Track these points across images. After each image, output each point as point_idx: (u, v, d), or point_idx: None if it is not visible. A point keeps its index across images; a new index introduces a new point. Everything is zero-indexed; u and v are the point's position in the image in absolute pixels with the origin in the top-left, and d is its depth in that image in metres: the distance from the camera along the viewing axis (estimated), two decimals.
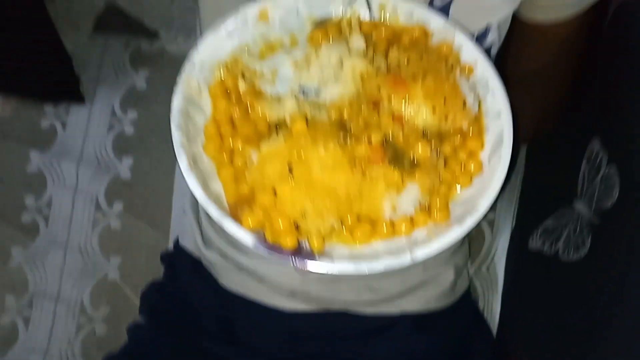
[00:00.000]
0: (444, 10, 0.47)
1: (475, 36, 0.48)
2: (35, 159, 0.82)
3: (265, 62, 0.43)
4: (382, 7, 0.44)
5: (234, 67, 0.42)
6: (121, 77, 0.85)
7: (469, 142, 0.41)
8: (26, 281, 0.77)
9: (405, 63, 0.40)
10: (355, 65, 0.41)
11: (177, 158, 0.39)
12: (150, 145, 0.82)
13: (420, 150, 0.38)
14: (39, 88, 0.84)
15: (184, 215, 0.70)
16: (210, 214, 0.37)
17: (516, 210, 0.63)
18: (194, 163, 0.38)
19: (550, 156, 0.59)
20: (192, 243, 0.63)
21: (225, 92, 0.41)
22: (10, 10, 0.76)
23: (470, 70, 0.43)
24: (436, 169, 0.39)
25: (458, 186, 0.40)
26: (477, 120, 0.42)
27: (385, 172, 0.37)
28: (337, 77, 0.41)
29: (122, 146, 0.82)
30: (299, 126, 0.38)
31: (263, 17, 0.43)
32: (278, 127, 0.39)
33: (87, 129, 0.84)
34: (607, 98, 0.54)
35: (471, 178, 0.40)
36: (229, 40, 0.43)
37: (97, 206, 0.79)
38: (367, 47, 0.42)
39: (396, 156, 0.38)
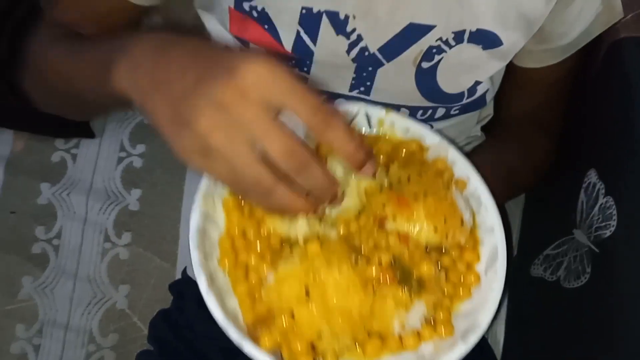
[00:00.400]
0: (431, 74, 0.49)
1: (467, 90, 0.51)
2: (46, 192, 0.84)
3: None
4: (380, 122, 0.47)
5: None
6: (129, 112, 0.87)
7: (465, 255, 0.44)
8: (36, 310, 0.78)
9: (407, 180, 0.43)
10: (360, 181, 0.43)
11: (196, 278, 0.40)
12: (158, 178, 0.84)
13: (426, 269, 0.41)
14: (51, 125, 0.86)
15: None
16: (229, 336, 0.38)
17: (518, 239, 0.65)
18: (212, 280, 0.40)
19: (550, 187, 0.61)
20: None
21: (239, 205, 0.43)
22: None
23: (464, 185, 0.46)
24: (440, 283, 0.42)
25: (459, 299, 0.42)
26: (472, 233, 0.44)
27: (394, 292, 0.39)
28: (342, 191, 0.42)
29: (130, 178, 0.84)
30: (314, 248, 0.39)
31: None
32: (291, 244, 0.41)
33: (97, 162, 0.85)
34: (601, 132, 0.57)
35: (470, 290, 0.43)
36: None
37: (106, 237, 0.81)
38: None
39: (404, 275, 0.40)
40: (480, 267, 0.43)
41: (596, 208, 0.53)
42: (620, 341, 0.46)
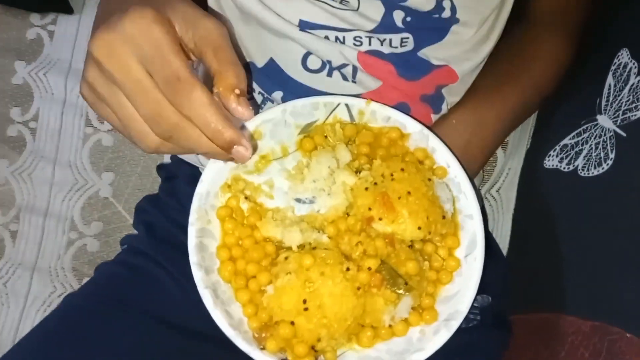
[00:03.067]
0: None
1: None
2: (21, 70, 0.77)
3: (262, 175, 0.46)
4: (361, 113, 0.48)
5: (235, 186, 0.46)
6: None
7: (447, 240, 0.46)
8: (13, 195, 0.73)
9: (390, 177, 0.44)
10: (346, 181, 0.45)
11: (201, 295, 0.43)
12: None
13: (411, 266, 0.44)
14: None
15: None
16: (239, 346, 0.42)
17: (532, 129, 0.61)
18: (215, 293, 0.43)
19: (572, 74, 0.56)
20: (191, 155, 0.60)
21: (231, 214, 0.45)
22: None
23: (445, 172, 0.47)
24: (424, 273, 0.45)
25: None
26: (453, 218, 0.47)
27: (384, 292, 0.43)
28: (329, 190, 0.46)
29: None
30: (308, 261, 0.42)
31: (257, 135, 0.46)
32: (285, 249, 0.44)
33: (76, 40, 0.78)
34: (634, 12, 0.51)
35: (452, 274, 0.46)
36: (227, 165, 0.46)
37: (87, 121, 0.75)
38: (353, 156, 0.46)
39: (392, 276, 0.43)
40: (460, 252, 0.46)
41: (626, 90, 0.49)
42: None
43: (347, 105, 0.47)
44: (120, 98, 0.35)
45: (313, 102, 0.47)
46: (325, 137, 0.47)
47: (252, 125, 0.46)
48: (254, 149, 0.45)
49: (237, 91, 0.36)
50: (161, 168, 0.66)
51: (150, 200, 0.62)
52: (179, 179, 0.61)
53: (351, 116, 0.48)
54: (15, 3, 0.80)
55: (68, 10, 0.79)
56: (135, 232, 0.62)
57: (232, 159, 0.38)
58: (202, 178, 0.45)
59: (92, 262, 0.72)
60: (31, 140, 0.75)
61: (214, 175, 0.45)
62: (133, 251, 0.57)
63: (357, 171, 0.46)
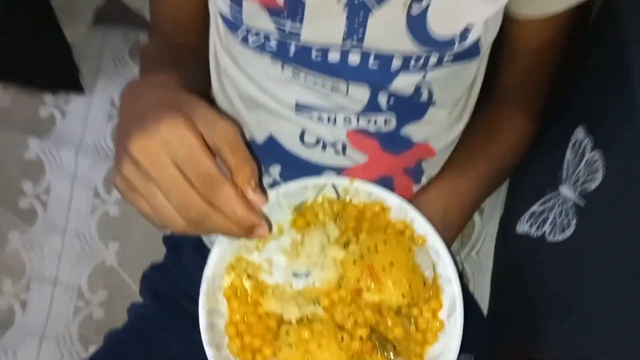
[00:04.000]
0: (422, 18, 0.50)
1: (459, 34, 0.51)
2: (34, 147, 0.83)
3: (261, 253, 0.52)
4: (346, 191, 0.54)
5: (238, 266, 0.51)
6: (120, 68, 0.87)
7: (430, 303, 0.51)
8: (24, 265, 0.78)
9: (374, 249, 0.50)
10: (336, 255, 0.50)
11: None
12: None
13: (398, 332, 0.48)
14: (39, 77, 0.85)
15: None
16: None
17: (504, 198, 0.66)
18: None
19: (536, 147, 0.62)
20: None
21: (236, 292, 0.50)
22: (13, 2, 0.77)
23: (423, 240, 0.52)
24: (411, 336, 0.49)
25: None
26: (434, 282, 0.51)
27: (375, 358, 0.47)
28: (321, 264, 0.50)
29: None
30: (306, 334, 0.47)
31: None
32: (285, 323, 0.49)
33: (87, 118, 0.85)
34: (592, 88, 0.57)
35: (437, 334, 0.50)
36: (229, 244, 0.51)
37: (96, 193, 0.80)
38: (341, 232, 0.52)
39: (381, 342, 0.48)
40: (443, 313, 0.50)
41: (582, 163, 0.54)
42: (602, 290, 0.47)
43: (333, 184, 0.53)
44: (154, 191, 0.40)
45: (303, 185, 0.52)
46: (316, 214, 0.53)
47: None
48: (269, 226, 0.50)
49: (252, 183, 0.43)
50: (166, 238, 0.71)
51: (156, 268, 0.67)
52: (184, 247, 0.65)
53: (337, 194, 0.53)
54: (30, 83, 0.87)
55: (79, 89, 0.86)
56: (140, 299, 0.66)
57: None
58: (208, 262, 0.50)
59: (98, 330, 0.75)
60: (42, 212, 0.80)
61: (218, 259, 0.50)
62: (140, 319, 0.61)
63: (346, 244, 0.52)
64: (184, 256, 0.64)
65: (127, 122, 0.44)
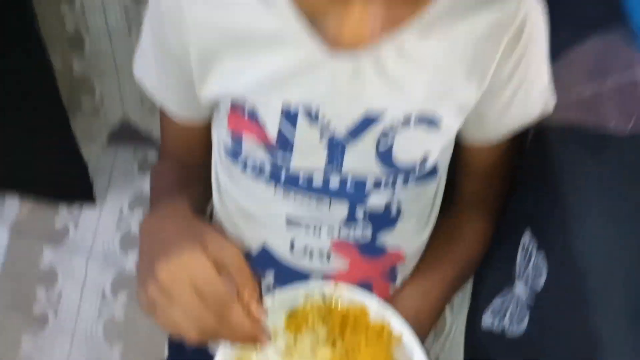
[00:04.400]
0: (388, 150, 0.59)
1: (419, 161, 0.61)
2: (48, 256, 0.90)
3: (260, 354, 0.57)
4: (331, 295, 0.60)
5: None
6: (129, 182, 0.96)
7: None
8: None
9: (358, 348, 0.57)
10: (324, 355, 0.57)
11: None
12: None
13: None
14: (56, 191, 0.94)
15: None
16: None
17: (470, 294, 0.73)
18: None
19: (493, 246, 0.70)
20: None
21: None
22: (38, 124, 0.87)
23: (400, 339, 0.58)
24: None
25: None
26: None
27: None
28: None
29: (128, 242, 0.91)
30: None
31: None
32: None
33: (97, 227, 0.93)
34: (533, 198, 0.66)
35: None
36: (232, 348, 0.56)
37: (103, 297, 0.87)
38: (328, 333, 0.58)
39: None
40: None
41: (531, 263, 0.62)
42: None
43: (320, 290, 0.59)
44: (174, 309, 0.48)
45: (294, 292, 0.58)
46: (307, 317, 0.58)
47: None
48: (268, 335, 0.55)
49: (255, 298, 0.51)
50: (170, 340, 0.77)
51: None
52: (187, 349, 0.71)
53: (324, 298, 0.59)
54: (47, 195, 0.96)
55: (91, 199, 0.95)
56: None
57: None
58: None
59: None
60: (53, 317, 0.86)
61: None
62: None
63: (333, 343, 0.57)
64: (187, 358, 0.70)
65: (151, 250, 0.51)
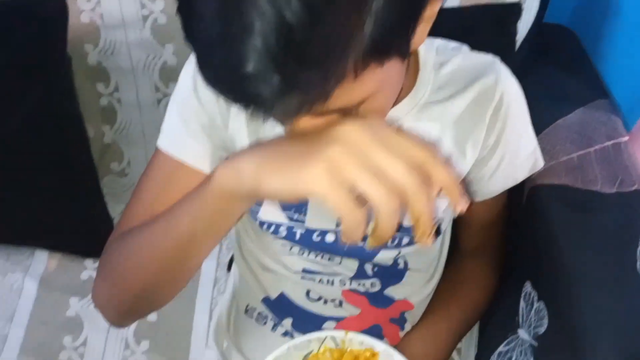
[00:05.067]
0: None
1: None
2: (75, 305, 0.93)
3: None
4: (342, 341, 0.63)
5: None
6: None
7: None
8: None
9: None
10: None
11: None
12: None
13: None
14: (84, 246, 0.99)
15: (205, 349, 0.83)
16: None
17: (477, 339, 0.78)
18: None
19: (498, 295, 0.75)
20: None
21: None
22: (71, 186, 0.93)
23: None
24: None
25: None
26: None
27: None
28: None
29: None
30: None
31: None
32: None
33: None
34: (531, 253, 0.72)
35: None
36: None
37: (126, 345, 0.90)
38: None
39: None
40: None
41: (532, 311, 0.67)
42: None
43: (332, 337, 0.62)
44: (371, 171, 0.40)
45: (308, 338, 0.62)
46: None
47: None
48: None
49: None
50: None
51: None
52: None
53: (336, 344, 0.63)
54: (73, 251, 1.00)
55: None
56: None
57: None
58: None
59: None
60: None
61: None
62: None
63: None
64: None
65: (288, 150, 0.43)
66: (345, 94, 0.40)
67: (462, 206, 0.43)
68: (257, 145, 0.46)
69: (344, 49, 0.37)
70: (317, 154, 0.40)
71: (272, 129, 0.57)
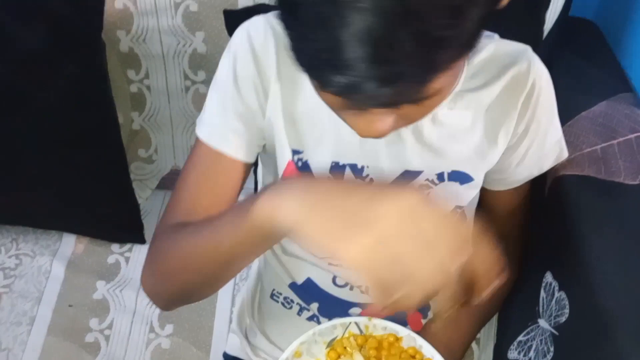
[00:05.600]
0: None
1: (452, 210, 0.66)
2: (101, 288, 0.95)
3: None
4: (366, 327, 0.64)
5: None
6: None
7: None
8: None
9: None
10: None
11: None
12: None
13: None
14: (110, 232, 1.01)
15: (229, 333, 0.84)
16: None
17: (496, 329, 0.78)
18: None
19: (518, 286, 0.75)
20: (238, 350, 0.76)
21: None
22: (100, 170, 0.95)
23: None
24: None
25: None
26: None
27: None
28: None
29: None
30: None
31: (297, 354, 0.60)
32: None
33: None
34: (554, 244, 0.72)
35: None
36: None
37: (151, 328, 0.91)
38: (365, 358, 0.62)
39: None
40: None
41: (553, 301, 0.67)
42: None
43: (356, 323, 0.63)
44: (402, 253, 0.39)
45: (332, 324, 0.62)
46: (345, 347, 0.62)
47: (293, 347, 0.60)
48: None
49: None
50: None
51: None
52: None
53: (360, 329, 0.63)
54: (100, 235, 1.03)
55: (142, 241, 1.01)
56: None
57: None
58: None
59: None
60: (105, 345, 0.90)
61: None
62: None
63: None
64: None
65: (331, 217, 0.40)
66: (432, 85, 0.41)
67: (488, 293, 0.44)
68: (305, 185, 0.44)
69: (449, 42, 0.38)
70: (368, 225, 0.39)
71: (310, 121, 0.58)
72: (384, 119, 0.46)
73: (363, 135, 0.48)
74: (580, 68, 0.85)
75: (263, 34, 0.60)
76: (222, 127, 0.62)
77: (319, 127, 0.62)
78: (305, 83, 0.62)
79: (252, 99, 0.62)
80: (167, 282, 0.59)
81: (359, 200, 0.40)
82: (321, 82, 0.40)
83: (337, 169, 0.63)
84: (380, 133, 0.47)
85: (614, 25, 0.89)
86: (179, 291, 0.60)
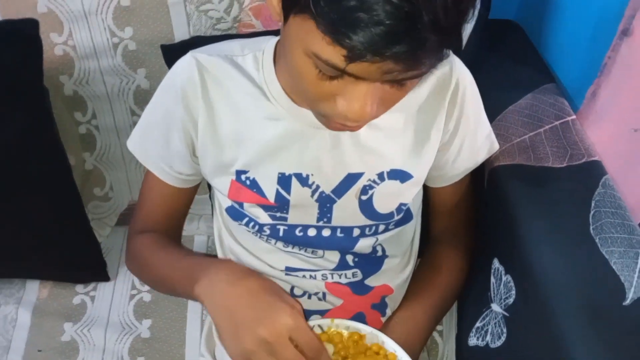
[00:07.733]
0: (369, 203, 0.68)
1: (395, 209, 0.69)
2: (69, 330, 0.94)
3: None
4: (329, 328, 0.66)
5: None
6: None
7: None
8: None
9: None
10: None
11: None
12: (164, 307, 0.96)
13: None
14: (73, 274, 1.00)
15: (199, 358, 0.84)
16: None
17: (456, 320, 0.80)
18: None
19: (470, 276, 0.78)
20: None
21: None
22: (56, 215, 0.94)
23: (394, 356, 0.65)
24: None
25: None
26: None
27: None
28: None
29: (141, 311, 0.96)
30: None
31: None
32: None
33: (112, 300, 0.98)
34: (495, 231, 0.75)
35: None
36: None
37: None
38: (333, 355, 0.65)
39: None
40: None
41: (502, 285, 0.70)
42: None
43: (319, 325, 0.65)
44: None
45: None
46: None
47: None
48: None
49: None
50: None
51: None
52: None
53: (323, 331, 0.65)
54: (63, 278, 1.01)
55: (106, 278, 1.00)
56: None
57: None
58: None
59: None
60: None
61: None
62: None
63: None
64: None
65: (235, 315, 0.56)
66: (426, 64, 0.47)
67: None
68: (226, 289, 0.59)
69: (464, 18, 0.45)
70: (252, 335, 0.55)
71: (250, 140, 0.66)
72: (374, 102, 0.50)
73: (352, 118, 0.51)
74: (505, 66, 0.90)
75: (188, 70, 0.64)
76: (155, 157, 0.70)
77: (259, 144, 0.65)
78: (237, 104, 0.65)
79: (180, 143, 0.68)
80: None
81: (254, 311, 0.56)
82: (354, 42, 0.43)
83: (284, 179, 0.66)
84: (370, 115, 0.51)
85: (535, 23, 0.94)
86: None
